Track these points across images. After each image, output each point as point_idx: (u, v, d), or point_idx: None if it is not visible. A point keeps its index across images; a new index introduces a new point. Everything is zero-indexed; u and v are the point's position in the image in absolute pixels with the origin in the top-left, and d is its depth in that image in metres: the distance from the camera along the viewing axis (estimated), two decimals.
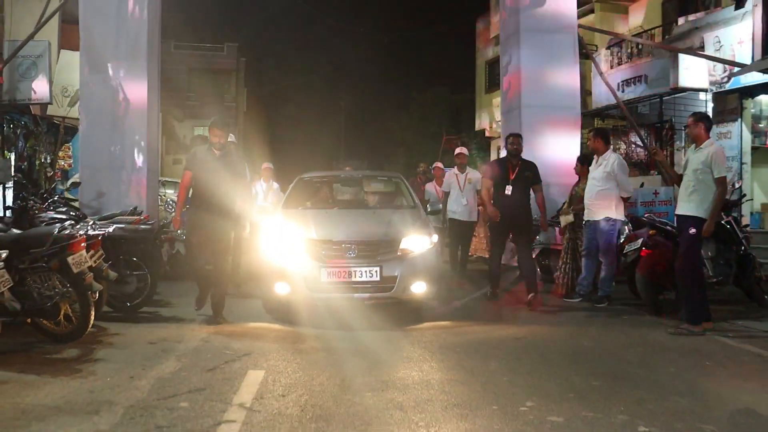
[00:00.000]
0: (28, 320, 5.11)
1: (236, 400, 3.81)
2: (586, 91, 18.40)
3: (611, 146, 8.09)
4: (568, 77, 10.71)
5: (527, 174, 7.44)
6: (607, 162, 7.39)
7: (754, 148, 10.80)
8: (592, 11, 19.10)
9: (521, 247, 7.64)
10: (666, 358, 5.00)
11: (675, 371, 4.60)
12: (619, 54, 16.89)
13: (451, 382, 4.25)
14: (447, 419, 3.54)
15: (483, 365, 4.71)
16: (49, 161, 13.21)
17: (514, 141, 7.60)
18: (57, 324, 5.16)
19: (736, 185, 7.89)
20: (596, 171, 7.48)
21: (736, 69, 10.65)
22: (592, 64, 16.74)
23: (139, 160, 9.73)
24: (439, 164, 11.38)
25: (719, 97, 11.22)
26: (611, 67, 16.81)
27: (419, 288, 6.34)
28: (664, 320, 6.45)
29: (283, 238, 6.55)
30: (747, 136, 11.25)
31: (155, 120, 10.46)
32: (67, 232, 5.09)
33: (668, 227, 7.01)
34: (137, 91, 9.82)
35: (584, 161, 8.23)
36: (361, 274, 6.15)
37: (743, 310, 7.14)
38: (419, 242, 6.49)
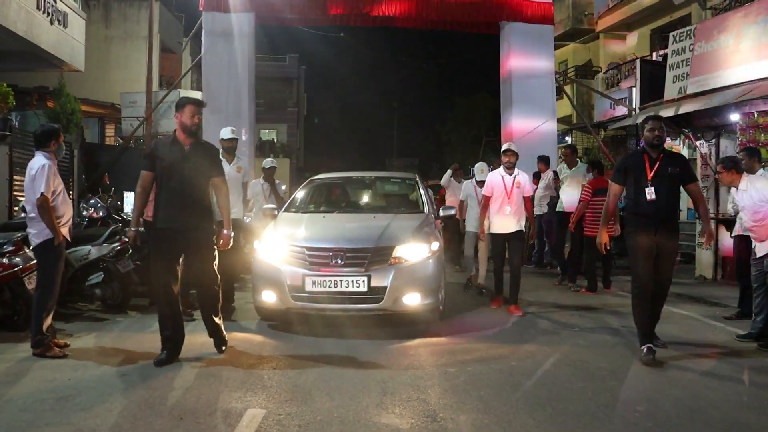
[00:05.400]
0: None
1: None
2: (590, 106, 22.19)
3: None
4: (546, 108, 14.73)
5: (673, 170, 5.42)
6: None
7: (692, 159, 14.34)
8: (597, 37, 22.70)
9: (661, 274, 5.46)
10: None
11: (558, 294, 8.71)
12: (618, 77, 20.55)
13: None
14: None
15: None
16: None
17: (655, 126, 5.43)
18: None
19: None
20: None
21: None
22: (595, 85, 20.70)
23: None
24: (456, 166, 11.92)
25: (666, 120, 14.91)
26: (608, 87, 20.48)
27: (412, 300, 5.95)
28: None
29: (272, 244, 6.29)
30: (685, 151, 14.80)
31: (252, 142, 15.12)
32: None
33: None
34: (240, 124, 14.35)
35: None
36: (348, 283, 5.81)
37: None
38: (416, 250, 6.11)
